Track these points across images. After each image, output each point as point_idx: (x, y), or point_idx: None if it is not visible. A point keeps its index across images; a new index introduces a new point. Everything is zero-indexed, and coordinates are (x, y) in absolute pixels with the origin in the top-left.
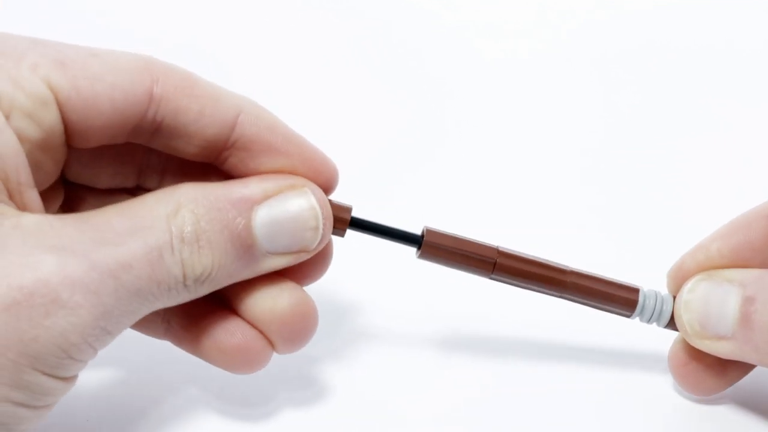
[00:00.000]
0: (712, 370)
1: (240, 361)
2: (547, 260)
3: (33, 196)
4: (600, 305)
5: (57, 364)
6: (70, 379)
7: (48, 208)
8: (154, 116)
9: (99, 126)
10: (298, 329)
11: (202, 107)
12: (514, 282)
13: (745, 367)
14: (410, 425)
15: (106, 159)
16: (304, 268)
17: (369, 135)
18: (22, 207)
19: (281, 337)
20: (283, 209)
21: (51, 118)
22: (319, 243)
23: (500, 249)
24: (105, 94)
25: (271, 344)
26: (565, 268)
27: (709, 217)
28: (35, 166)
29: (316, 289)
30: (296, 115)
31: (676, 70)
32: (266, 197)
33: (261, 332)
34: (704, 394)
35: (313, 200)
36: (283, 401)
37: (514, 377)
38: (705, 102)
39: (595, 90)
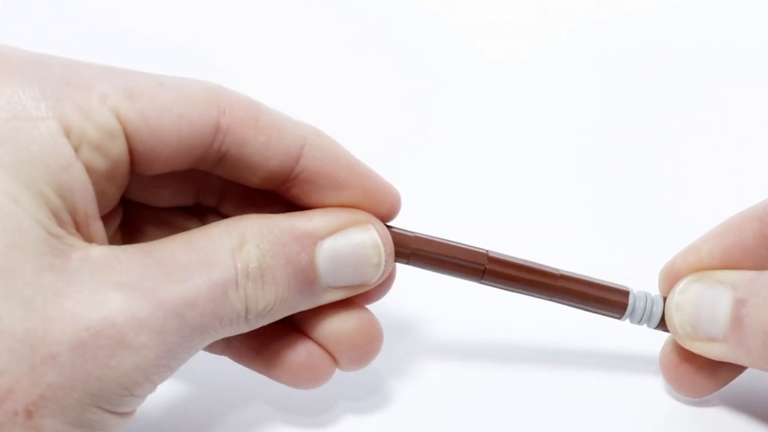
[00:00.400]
0: (703, 372)
1: (305, 378)
2: (538, 264)
3: (98, 227)
4: (590, 308)
5: (119, 401)
6: (128, 414)
7: (107, 227)
8: (219, 147)
9: (165, 156)
10: (366, 350)
11: (268, 139)
12: (505, 286)
13: (736, 369)
14: None
15: (167, 181)
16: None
17: (368, 134)
18: (88, 238)
19: (348, 357)
20: (346, 245)
21: (119, 149)
22: (380, 278)
23: (490, 254)
24: (172, 125)
25: (336, 362)
26: (554, 272)
27: (701, 217)
28: (99, 195)
29: None
30: (296, 115)
31: (673, 70)
32: (330, 233)
33: (327, 351)
34: (695, 396)
35: (376, 237)
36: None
37: (506, 381)
38: (701, 103)
39: (591, 90)
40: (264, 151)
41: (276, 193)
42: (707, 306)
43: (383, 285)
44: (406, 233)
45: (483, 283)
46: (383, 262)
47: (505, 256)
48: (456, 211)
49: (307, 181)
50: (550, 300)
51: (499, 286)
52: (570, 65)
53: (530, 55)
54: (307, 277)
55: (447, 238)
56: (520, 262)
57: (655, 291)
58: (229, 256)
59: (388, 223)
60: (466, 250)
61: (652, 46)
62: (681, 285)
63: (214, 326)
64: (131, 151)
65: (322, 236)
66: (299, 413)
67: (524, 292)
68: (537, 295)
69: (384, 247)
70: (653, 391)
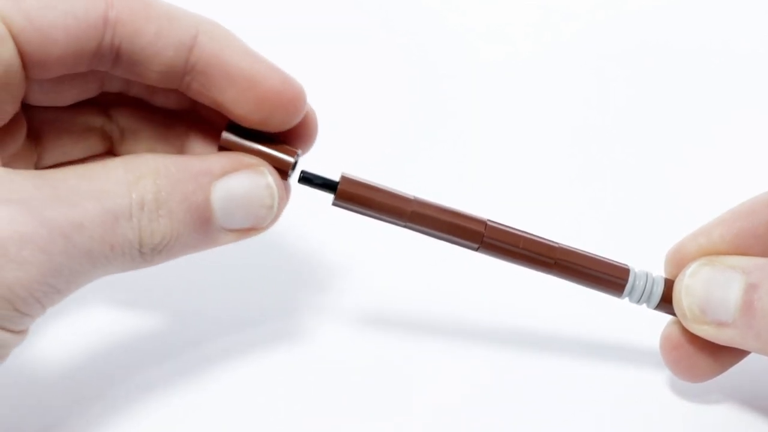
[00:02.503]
0: (704, 355)
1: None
2: (537, 236)
3: None
4: (589, 283)
5: (6, 317)
6: (19, 333)
7: (12, 139)
8: (111, 41)
9: (56, 56)
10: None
11: (158, 28)
12: (502, 256)
13: (737, 354)
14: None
15: (67, 84)
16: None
17: (370, 132)
18: None
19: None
20: (240, 186)
21: (8, 53)
22: (272, 221)
23: (489, 222)
24: (59, 22)
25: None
26: (554, 244)
27: (704, 203)
28: None
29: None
30: None
31: (677, 63)
32: (225, 173)
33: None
34: (694, 380)
35: (270, 179)
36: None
37: (503, 363)
38: (711, 94)
39: (598, 80)
40: (156, 42)
41: (180, 95)
42: (718, 290)
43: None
44: (406, 196)
45: (480, 252)
46: (275, 205)
47: (504, 225)
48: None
49: (204, 72)
50: (548, 273)
51: (497, 255)
52: (573, 61)
53: (530, 52)
54: (202, 215)
55: (446, 204)
56: (519, 232)
57: (655, 272)
58: (124, 188)
59: (388, 189)
60: (465, 216)
61: (650, 45)
62: (691, 268)
63: (105, 253)
64: (21, 54)
65: (217, 176)
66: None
67: (522, 263)
68: (535, 267)
69: (277, 189)
70: (651, 379)
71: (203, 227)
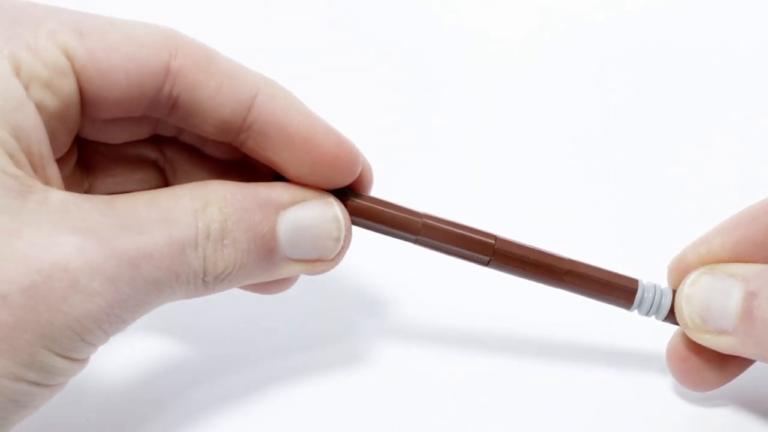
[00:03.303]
0: (710, 365)
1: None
2: (546, 250)
3: (54, 169)
4: (598, 296)
5: (70, 346)
6: (81, 361)
7: (63, 168)
8: (170, 91)
9: (114, 98)
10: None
11: (219, 84)
12: (512, 271)
13: (743, 363)
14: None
15: (120, 125)
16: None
17: (365, 136)
18: (44, 181)
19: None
20: (307, 217)
21: (69, 87)
22: (339, 254)
23: (498, 237)
24: (121, 65)
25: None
26: (563, 258)
27: (708, 212)
28: (51, 136)
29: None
30: None
31: (693, 57)
32: (292, 203)
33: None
34: (701, 390)
35: (337, 210)
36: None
37: (510, 371)
38: (711, 96)
39: (598, 81)
40: (215, 97)
41: (232, 146)
42: (717, 298)
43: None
44: (414, 212)
45: (490, 267)
46: (342, 237)
47: (514, 240)
48: (461, 206)
49: (261, 132)
50: (557, 287)
51: (507, 270)
52: (572, 62)
53: (536, 49)
54: (267, 245)
55: (455, 221)
56: (529, 247)
57: (663, 284)
58: (191, 216)
59: (398, 204)
60: (475, 229)
61: (650, 42)
62: (691, 277)
63: (170, 282)
64: (81, 90)
65: (285, 206)
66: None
67: (532, 278)
68: (545, 281)
69: (344, 221)
70: (656, 387)
71: (267, 257)
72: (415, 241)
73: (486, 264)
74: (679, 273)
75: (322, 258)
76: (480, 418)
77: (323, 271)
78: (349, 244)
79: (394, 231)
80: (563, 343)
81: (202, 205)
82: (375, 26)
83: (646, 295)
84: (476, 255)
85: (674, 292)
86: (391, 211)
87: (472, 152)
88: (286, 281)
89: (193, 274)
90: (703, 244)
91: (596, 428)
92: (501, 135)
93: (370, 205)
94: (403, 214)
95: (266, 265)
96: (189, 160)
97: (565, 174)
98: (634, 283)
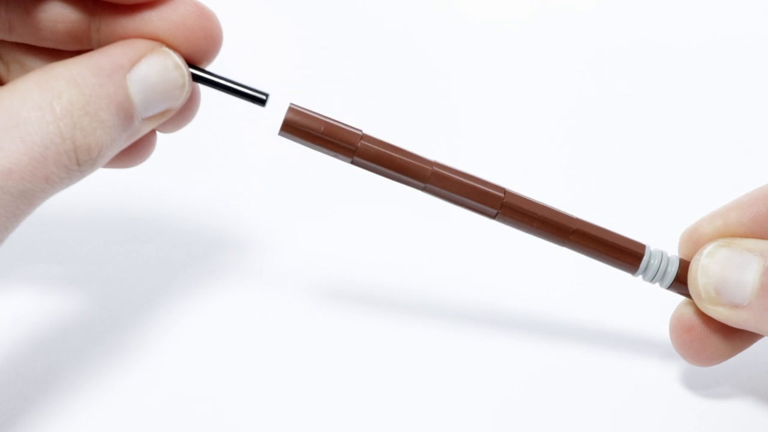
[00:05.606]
0: (716, 337)
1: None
2: (555, 207)
3: None
4: (603, 258)
5: None
6: None
7: None
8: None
9: None
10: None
11: None
12: (518, 226)
13: (749, 338)
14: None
15: None
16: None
17: (356, 111)
18: None
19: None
20: (152, 73)
21: None
22: (184, 99)
23: (508, 190)
24: None
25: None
26: (572, 216)
27: (717, 186)
28: None
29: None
30: (287, 88)
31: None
32: (132, 64)
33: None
34: (704, 363)
35: (175, 57)
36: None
37: (508, 351)
38: (714, 75)
39: (607, 61)
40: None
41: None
42: (734, 271)
43: (190, 107)
44: (424, 159)
45: (497, 220)
46: (187, 83)
47: (523, 195)
48: None
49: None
50: (563, 245)
51: (513, 225)
52: (573, 46)
53: (531, 38)
54: (126, 112)
55: (465, 171)
56: (538, 203)
57: (670, 252)
58: (46, 112)
59: (408, 150)
60: (485, 181)
61: (650, 39)
62: (709, 248)
63: (41, 187)
64: None
65: (127, 68)
66: None
67: (538, 234)
68: (551, 238)
69: (184, 66)
70: (660, 372)
71: (129, 124)
72: (424, 189)
73: (493, 217)
74: (693, 243)
75: (171, 107)
76: (474, 395)
77: (170, 120)
78: (191, 86)
79: (404, 177)
80: (561, 321)
81: (57, 95)
82: (369, 19)
83: (652, 261)
84: (484, 207)
85: (682, 261)
86: (401, 157)
87: (470, 144)
88: (145, 149)
89: (65, 170)
90: (720, 217)
91: (594, 411)
92: (498, 120)
93: (381, 149)
94: (413, 161)
95: (129, 132)
96: (19, 49)
97: (571, 148)
98: (641, 247)
